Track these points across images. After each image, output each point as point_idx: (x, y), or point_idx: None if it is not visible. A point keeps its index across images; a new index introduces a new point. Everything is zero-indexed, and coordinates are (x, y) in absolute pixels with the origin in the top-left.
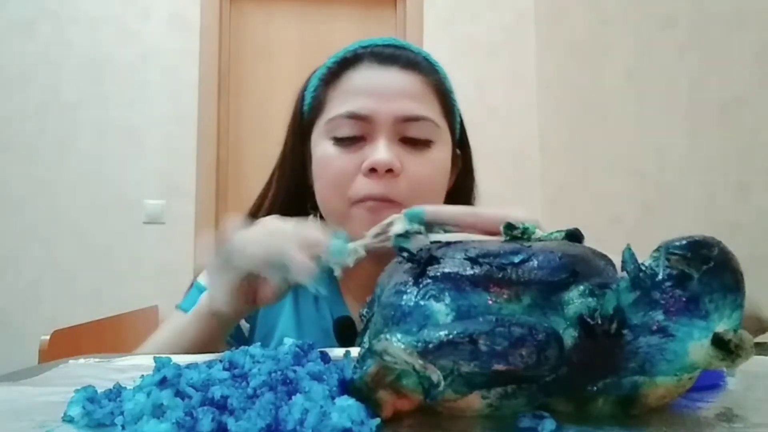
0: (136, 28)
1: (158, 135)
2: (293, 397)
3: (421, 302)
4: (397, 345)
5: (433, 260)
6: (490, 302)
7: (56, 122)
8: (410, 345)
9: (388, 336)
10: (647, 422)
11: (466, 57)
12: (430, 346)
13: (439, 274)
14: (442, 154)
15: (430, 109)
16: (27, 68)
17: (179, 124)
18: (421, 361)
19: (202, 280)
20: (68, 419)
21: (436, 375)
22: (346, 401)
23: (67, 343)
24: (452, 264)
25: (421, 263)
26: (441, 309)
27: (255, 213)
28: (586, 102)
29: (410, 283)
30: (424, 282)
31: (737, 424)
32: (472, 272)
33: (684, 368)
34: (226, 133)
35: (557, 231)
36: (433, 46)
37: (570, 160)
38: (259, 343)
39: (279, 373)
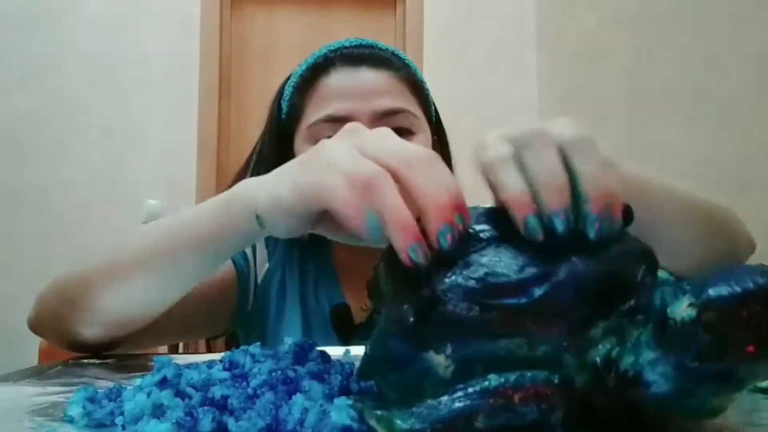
0: (137, 28)
1: (158, 135)
2: (293, 396)
3: (421, 353)
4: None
5: (438, 301)
6: (498, 348)
7: (56, 122)
8: (400, 431)
9: (377, 417)
10: (649, 422)
11: (466, 57)
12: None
13: (441, 320)
14: (423, 141)
15: (406, 102)
16: (27, 68)
17: (179, 124)
18: None
19: None
20: (68, 419)
21: None
22: (346, 400)
23: None
24: (457, 307)
25: (423, 310)
26: (441, 362)
27: None
28: (586, 102)
29: (411, 326)
30: (426, 329)
31: (737, 423)
32: (478, 316)
33: (703, 416)
34: (227, 133)
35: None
36: (433, 46)
37: None
38: (258, 343)
39: (279, 372)
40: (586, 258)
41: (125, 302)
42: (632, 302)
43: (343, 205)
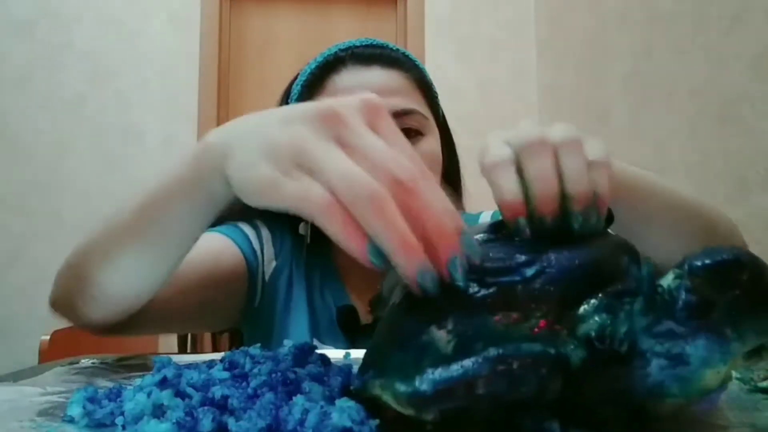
0: (136, 28)
1: (158, 135)
2: (294, 397)
3: (424, 326)
4: (388, 397)
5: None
6: (496, 324)
7: (56, 122)
8: (403, 396)
9: (381, 381)
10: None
11: (467, 56)
12: (424, 397)
13: (442, 297)
14: (433, 144)
15: (416, 103)
16: (27, 68)
17: (179, 124)
18: (413, 410)
19: (239, 224)
20: (68, 419)
21: (431, 416)
22: (347, 402)
23: (67, 343)
24: (457, 282)
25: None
26: (442, 336)
27: (226, 216)
28: (586, 102)
29: (414, 301)
30: (428, 304)
31: (737, 423)
32: (479, 293)
33: (697, 392)
34: None
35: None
36: (433, 44)
37: None
38: (259, 344)
39: (279, 373)
40: (572, 247)
41: (120, 275)
42: (619, 286)
43: (338, 228)
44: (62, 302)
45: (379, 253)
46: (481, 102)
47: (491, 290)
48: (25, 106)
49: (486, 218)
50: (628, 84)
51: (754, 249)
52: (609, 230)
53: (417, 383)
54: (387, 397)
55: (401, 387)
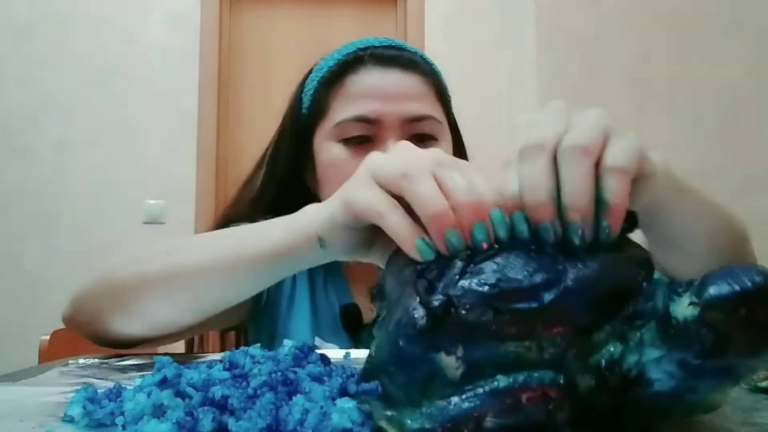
0: (136, 28)
1: (158, 135)
2: (294, 397)
3: (432, 354)
4: (392, 430)
5: (451, 304)
6: (508, 350)
7: (56, 122)
8: (410, 430)
9: (388, 413)
10: (650, 422)
11: (467, 56)
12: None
13: (453, 323)
14: (446, 148)
15: (433, 108)
16: (27, 68)
17: (179, 124)
18: None
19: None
20: (68, 419)
21: None
22: (347, 402)
23: (67, 343)
24: (471, 311)
25: (437, 314)
26: (451, 363)
27: (237, 213)
28: (586, 102)
29: (423, 329)
30: (438, 332)
31: (737, 423)
32: (491, 320)
33: (702, 411)
34: (226, 133)
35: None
36: (433, 45)
37: None
38: (258, 345)
39: (279, 373)
40: (591, 264)
41: (177, 310)
42: (631, 309)
43: (391, 223)
44: (87, 321)
45: (425, 247)
46: (480, 102)
47: (505, 317)
48: (26, 107)
49: None
50: (628, 84)
51: (755, 251)
52: (628, 235)
53: (424, 420)
54: (393, 431)
55: (407, 422)
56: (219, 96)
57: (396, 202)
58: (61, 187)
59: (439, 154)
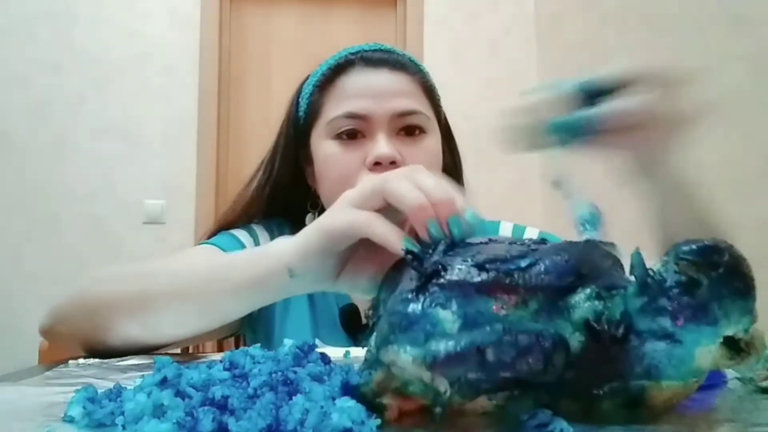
0: (136, 28)
1: (158, 135)
2: (294, 397)
3: (428, 310)
4: (405, 357)
5: (440, 269)
6: (497, 308)
7: (56, 122)
8: (418, 357)
9: (396, 347)
10: (651, 421)
11: (466, 57)
12: (438, 358)
13: (445, 281)
14: (434, 142)
15: (420, 104)
16: (27, 68)
17: (179, 124)
18: (429, 373)
19: (235, 231)
20: (69, 419)
21: (443, 385)
22: (347, 402)
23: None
24: (459, 271)
25: (427, 275)
26: (448, 317)
27: (232, 219)
28: None
29: (416, 291)
30: (431, 290)
31: (738, 423)
32: (479, 279)
33: (691, 373)
34: (226, 133)
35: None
36: (433, 45)
37: (570, 158)
38: (258, 345)
39: (279, 373)
40: (560, 248)
41: (152, 332)
42: (605, 281)
43: (378, 229)
44: (65, 335)
45: (410, 243)
46: (480, 102)
47: (490, 275)
48: (25, 106)
49: (505, 227)
50: None
51: (755, 251)
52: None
53: (432, 346)
54: (402, 361)
55: (416, 350)
56: (219, 96)
57: (376, 213)
58: (61, 186)
59: (411, 166)
